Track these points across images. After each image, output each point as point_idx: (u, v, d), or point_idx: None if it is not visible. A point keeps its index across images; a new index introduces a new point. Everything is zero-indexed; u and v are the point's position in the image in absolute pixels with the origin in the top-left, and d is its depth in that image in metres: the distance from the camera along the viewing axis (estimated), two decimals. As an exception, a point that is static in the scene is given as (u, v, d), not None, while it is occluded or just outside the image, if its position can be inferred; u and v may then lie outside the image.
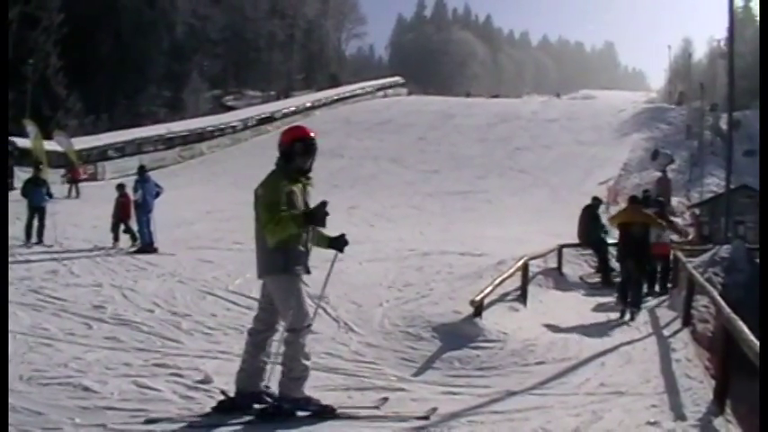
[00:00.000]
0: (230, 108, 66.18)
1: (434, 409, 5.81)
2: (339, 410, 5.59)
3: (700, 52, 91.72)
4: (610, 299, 13.00)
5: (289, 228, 5.39)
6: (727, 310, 6.62)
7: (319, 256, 14.23)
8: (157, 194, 16.40)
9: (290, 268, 5.53)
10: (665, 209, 18.13)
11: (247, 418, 5.39)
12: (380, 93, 72.41)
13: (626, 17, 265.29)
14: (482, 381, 7.08)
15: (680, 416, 5.94)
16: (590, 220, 16.81)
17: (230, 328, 8.66)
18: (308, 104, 61.37)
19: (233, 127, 52.92)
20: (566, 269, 16.33)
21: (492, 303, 9.85)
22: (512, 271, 11.07)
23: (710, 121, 47.71)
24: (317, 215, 5.56)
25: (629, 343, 8.95)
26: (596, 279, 16.13)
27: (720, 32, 69.62)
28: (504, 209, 30.77)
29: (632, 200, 13.65)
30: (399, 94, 74.57)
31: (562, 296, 13.68)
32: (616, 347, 8.68)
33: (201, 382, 6.28)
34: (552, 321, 10.23)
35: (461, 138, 49.11)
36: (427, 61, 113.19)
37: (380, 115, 57.23)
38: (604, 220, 17.42)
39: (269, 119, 55.76)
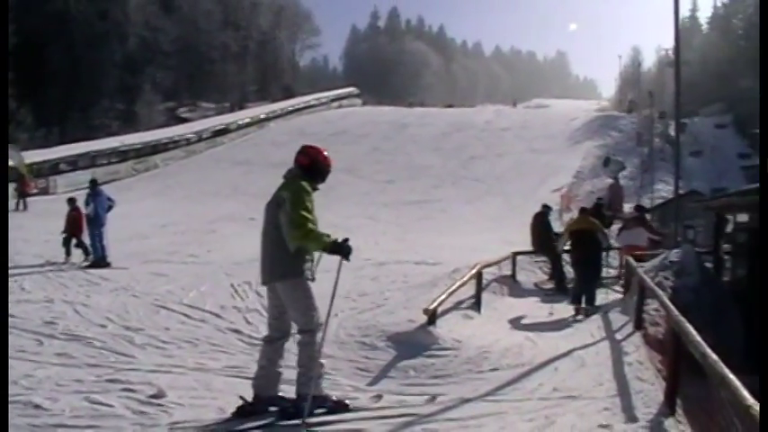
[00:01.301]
0: (184, 120, 65.76)
1: (435, 397, 6.47)
2: (351, 406, 5.98)
3: (649, 61, 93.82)
4: (564, 304, 13.22)
5: (316, 245, 5.74)
6: (676, 312, 6.73)
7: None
8: (110, 208, 16.19)
9: (304, 272, 5.82)
10: (644, 214, 18.73)
11: (264, 420, 5.67)
12: (335, 104, 72.48)
13: (578, 27, 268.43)
14: (437, 389, 7.12)
15: (631, 418, 6.04)
16: (541, 227, 17.05)
17: (184, 342, 8.62)
18: (263, 116, 61.21)
19: (187, 139, 52.50)
20: (520, 276, 16.50)
21: (446, 311, 9.91)
22: (466, 279, 11.15)
23: (660, 129, 48.51)
24: (344, 250, 5.80)
25: (582, 348, 9.01)
26: (550, 285, 16.32)
27: (668, 42, 70.95)
28: (458, 217, 30.94)
29: (582, 210, 15.32)
30: (354, 105, 74.67)
31: (516, 303, 13.79)
32: (569, 352, 8.74)
33: (154, 396, 6.23)
34: (507, 328, 10.33)
35: (416, 147, 49.32)
36: (381, 71, 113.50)
37: (335, 126, 57.18)
38: (557, 226, 17.66)
39: (223, 131, 55.57)
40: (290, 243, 5.66)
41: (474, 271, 11.69)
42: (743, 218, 16.12)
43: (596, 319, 11.64)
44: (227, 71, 79.02)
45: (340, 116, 63.11)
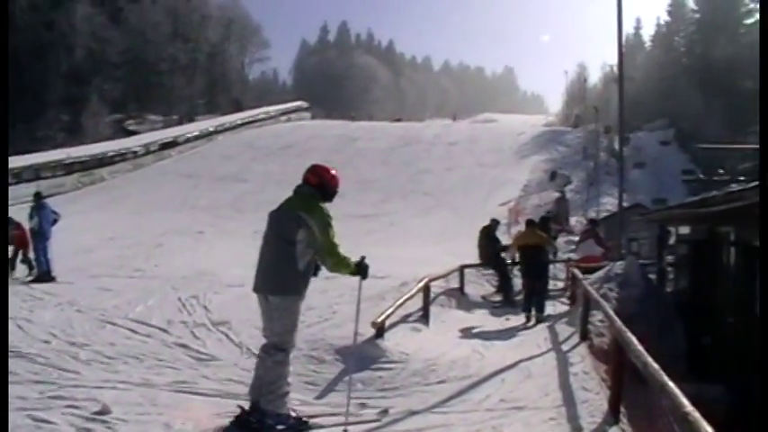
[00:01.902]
0: (132, 133, 65.01)
1: (386, 411, 6.63)
2: (311, 422, 6.11)
3: (594, 77, 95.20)
4: (511, 316, 13.39)
5: (345, 270, 6.29)
6: (619, 323, 6.85)
7: (221, 281, 14.01)
8: (55, 221, 15.91)
9: (302, 292, 6.16)
10: (596, 227, 19.30)
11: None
12: (284, 117, 72.21)
13: (525, 43, 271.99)
14: (384, 402, 7.14)
15: (576, 427, 6.13)
16: (488, 240, 17.20)
17: (130, 357, 8.51)
18: (212, 129, 60.59)
19: (134, 152, 51.64)
20: (468, 289, 16.60)
21: (394, 325, 9.96)
22: (413, 292, 11.22)
23: (605, 143, 49.30)
24: (365, 271, 6.49)
25: (528, 359, 9.12)
26: (498, 298, 16.46)
27: (613, 58, 72.11)
28: (407, 231, 31.01)
29: (529, 223, 15.52)
30: (303, 119, 74.51)
31: (464, 315, 13.89)
32: (516, 363, 8.84)
33: (99, 413, 6.14)
34: (454, 341, 10.39)
35: (364, 161, 49.33)
36: (330, 85, 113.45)
37: (284, 140, 56.97)
38: (504, 240, 17.84)
39: (171, 144, 54.92)
40: (332, 270, 6.26)
41: (422, 284, 11.77)
42: (684, 230, 16.49)
43: (543, 330, 11.81)
44: (176, 83, 78.40)
45: (289, 130, 62.86)
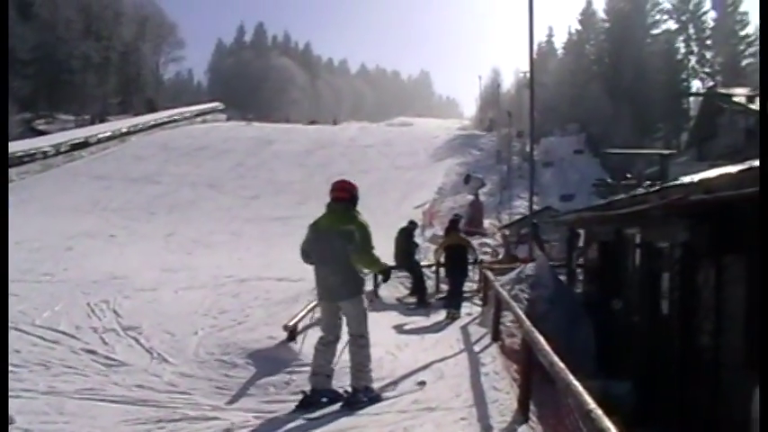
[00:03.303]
0: (41, 132, 62.95)
1: (424, 382, 7.78)
2: (383, 395, 7.35)
3: (508, 82, 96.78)
4: (423, 318, 13.51)
5: (375, 268, 7.86)
6: (527, 323, 6.98)
7: (133, 285, 13.80)
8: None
9: (363, 289, 7.43)
10: (536, 230, 20.07)
11: (327, 410, 6.85)
12: (199, 118, 71.34)
13: (441, 48, 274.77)
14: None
15: (486, 427, 6.21)
16: (405, 242, 17.28)
17: (36, 365, 8.31)
18: (125, 129, 59.25)
19: (44, 152, 49.99)
20: (382, 291, 16.67)
21: (308, 327, 9.93)
22: (327, 295, 11.21)
23: (518, 147, 50.10)
24: (388, 273, 8.23)
25: (441, 360, 9.21)
26: (412, 300, 16.55)
27: (526, 65, 73.42)
28: (323, 234, 30.96)
29: (452, 226, 16.66)
30: (218, 120, 73.69)
31: (378, 317, 13.91)
32: (429, 365, 8.91)
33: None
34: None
35: (280, 163, 49.08)
36: (247, 87, 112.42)
37: (199, 141, 56.24)
38: (419, 242, 17.98)
39: (83, 144, 53.47)
40: (367, 269, 7.60)
41: (335, 287, 11.76)
42: (593, 232, 16.88)
43: (456, 331, 11.93)
44: (88, 82, 76.32)
45: (204, 131, 62.10)
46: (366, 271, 7.59)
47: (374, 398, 7.16)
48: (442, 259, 16.06)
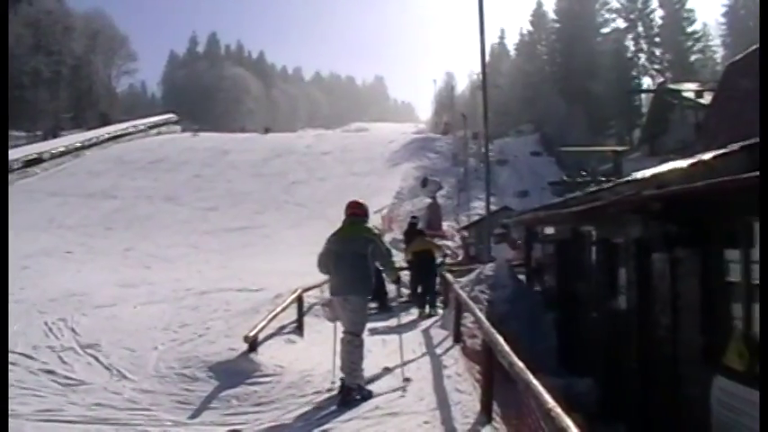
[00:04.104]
0: (-8, 149, 62.02)
1: (409, 379, 8.33)
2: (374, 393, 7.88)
3: (462, 85, 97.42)
4: (384, 322, 13.51)
5: (393, 273, 9.51)
6: (487, 324, 7.02)
7: (91, 302, 13.58)
8: None
9: (370, 293, 8.50)
10: (508, 232, 20.57)
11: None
12: (154, 131, 70.66)
13: (395, 52, 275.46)
14: (260, 416, 7.10)
15: (450, 429, 6.25)
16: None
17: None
18: (78, 144, 58.37)
19: (-4, 170, 49.39)
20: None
21: (269, 338, 9.90)
22: (286, 304, 11.19)
23: (474, 149, 50.37)
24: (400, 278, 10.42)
25: (403, 364, 9.23)
26: (373, 305, 16.53)
27: (479, 66, 74.12)
28: (282, 242, 30.88)
29: (418, 232, 18.05)
30: (173, 132, 73.04)
31: (338, 325, 13.91)
32: (391, 370, 8.93)
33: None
34: (330, 350, 10.39)
35: (237, 174, 48.82)
36: (201, 98, 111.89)
37: (154, 154, 55.75)
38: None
39: (36, 160, 52.54)
40: (387, 270, 9.23)
41: (295, 295, 11.74)
42: (550, 230, 17.02)
43: (418, 335, 11.95)
44: (39, 98, 75.31)
45: (159, 143, 61.56)
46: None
47: (366, 395, 7.74)
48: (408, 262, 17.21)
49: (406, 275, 18.81)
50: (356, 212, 8.62)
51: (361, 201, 8.94)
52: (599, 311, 11.65)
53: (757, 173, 5.12)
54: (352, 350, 7.90)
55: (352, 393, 7.65)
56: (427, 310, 15.36)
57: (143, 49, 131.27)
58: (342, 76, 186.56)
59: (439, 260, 17.75)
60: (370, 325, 13.81)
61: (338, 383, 7.89)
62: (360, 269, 8.03)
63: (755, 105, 13.28)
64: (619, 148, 37.82)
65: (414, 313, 15.57)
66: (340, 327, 9.59)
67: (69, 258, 25.70)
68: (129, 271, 22.10)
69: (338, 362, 8.67)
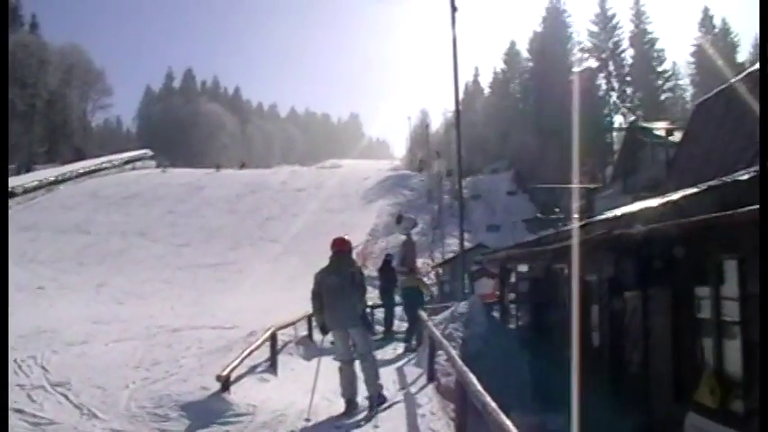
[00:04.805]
0: (-38, 184, 61.41)
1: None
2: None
3: (437, 122, 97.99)
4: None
5: (362, 305, 9.55)
6: (460, 363, 7.03)
7: (62, 339, 13.46)
8: None
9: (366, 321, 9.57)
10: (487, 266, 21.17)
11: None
12: (128, 166, 70.35)
13: (370, 90, 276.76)
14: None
15: (424, 468, 6.24)
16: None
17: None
18: (52, 178, 57.81)
19: (-34, 204, 48.82)
20: (316, 335, 16.53)
21: (242, 376, 9.83)
22: (259, 342, 11.11)
23: (449, 186, 50.51)
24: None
25: (378, 403, 9.21)
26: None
27: (453, 104, 74.55)
28: (256, 279, 30.79)
29: (409, 271, 18.46)
30: (148, 167, 72.74)
31: (314, 362, 13.83)
32: (365, 409, 8.91)
33: None
34: (303, 389, 10.33)
35: (211, 209, 48.65)
36: (176, 133, 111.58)
37: (129, 189, 55.45)
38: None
39: (8, 194, 52.18)
40: (361, 300, 9.30)
41: (268, 333, 11.67)
42: (523, 268, 17.12)
43: (392, 372, 11.90)
44: (13, 131, 74.70)
45: (133, 179, 61.31)
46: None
47: (383, 399, 9.21)
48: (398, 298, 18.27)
49: (380, 312, 18.97)
50: (341, 249, 9.46)
51: (345, 237, 9.75)
52: (572, 348, 11.69)
53: (730, 211, 5.22)
54: (368, 366, 9.12)
55: (372, 398, 8.99)
56: (413, 344, 15.28)
57: (119, 84, 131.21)
58: (317, 113, 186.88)
59: (427, 297, 18.73)
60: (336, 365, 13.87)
61: (318, 419, 8.45)
62: (354, 301, 9.05)
63: (723, 144, 13.48)
64: (591, 186, 38.21)
65: (389, 350, 15.52)
66: (327, 362, 9.70)
67: (41, 294, 25.47)
68: (102, 307, 21.93)
69: (316, 399, 8.75)
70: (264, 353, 11.52)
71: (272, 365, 11.57)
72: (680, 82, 77.53)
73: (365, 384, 9.11)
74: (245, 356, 10.13)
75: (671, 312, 7.81)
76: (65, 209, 48.49)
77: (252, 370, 10.76)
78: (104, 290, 26.91)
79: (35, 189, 54.36)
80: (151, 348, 13.10)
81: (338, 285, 9.04)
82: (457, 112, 22.30)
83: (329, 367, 13.43)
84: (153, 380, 10.22)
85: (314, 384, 8.92)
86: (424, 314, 14.01)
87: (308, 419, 8.26)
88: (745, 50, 72.74)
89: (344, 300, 9.01)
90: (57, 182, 57.83)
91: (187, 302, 23.50)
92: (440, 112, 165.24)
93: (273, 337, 11.97)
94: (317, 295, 9.27)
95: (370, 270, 28.86)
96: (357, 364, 9.25)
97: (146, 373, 10.80)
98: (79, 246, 38.19)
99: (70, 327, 15.70)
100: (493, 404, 5.16)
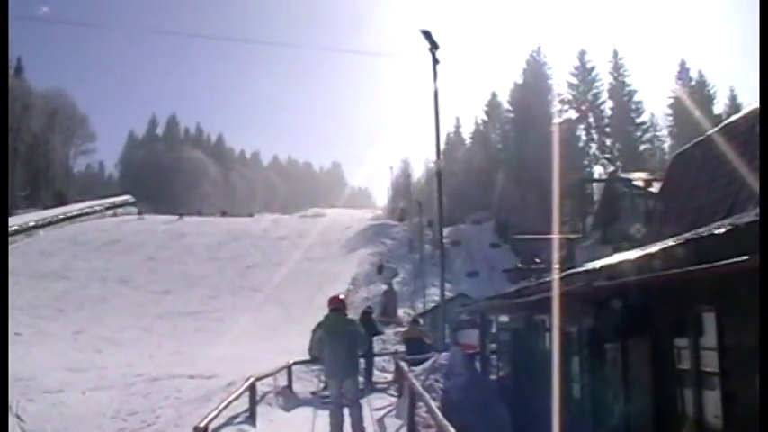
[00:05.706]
0: (-60, 229, 60.93)
1: None
2: None
3: (419, 172, 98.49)
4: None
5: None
6: (440, 417, 7.01)
7: (38, 387, 13.32)
8: None
9: (359, 371, 11.32)
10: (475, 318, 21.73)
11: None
12: (110, 212, 70.06)
13: (352, 139, 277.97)
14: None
15: None
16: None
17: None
18: (32, 223, 57.38)
19: (-57, 248, 48.29)
20: (296, 386, 16.46)
21: (220, 427, 9.74)
22: (238, 393, 11.03)
23: (430, 236, 50.54)
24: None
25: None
26: (327, 393, 16.38)
27: (435, 154, 74.98)
28: (236, 328, 30.53)
29: (412, 321, 21.56)
30: (129, 213, 72.44)
31: (293, 414, 13.74)
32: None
33: None
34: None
35: (192, 257, 48.45)
36: (158, 179, 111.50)
37: (109, 235, 55.19)
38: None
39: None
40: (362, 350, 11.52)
41: (247, 384, 11.59)
42: (504, 318, 17.13)
43: (372, 424, 11.85)
44: (-5, 170, 74.54)
45: (115, 225, 61.06)
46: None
47: None
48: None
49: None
50: (338, 307, 10.96)
51: (341, 296, 11.76)
52: (553, 399, 11.68)
53: (710, 263, 5.28)
54: (355, 411, 10.46)
55: None
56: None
57: (102, 129, 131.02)
58: (299, 162, 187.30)
59: (429, 342, 19.53)
60: (324, 413, 13.78)
61: None
62: (350, 358, 10.58)
63: (701, 195, 13.64)
64: (572, 236, 38.38)
65: (371, 400, 15.40)
66: (292, 417, 9.71)
67: (17, 340, 25.12)
68: (79, 354, 21.71)
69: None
70: (244, 403, 11.44)
71: (250, 416, 11.48)
72: (658, 133, 78.67)
73: (351, 424, 10.40)
74: (224, 407, 10.03)
75: (651, 363, 7.83)
76: (44, 254, 48.14)
77: (231, 420, 10.69)
78: (82, 337, 26.62)
79: (14, 234, 53.84)
80: (128, 398, 12.99)
81: (339, 342, 10.39)
82: (438, 163, 22.50)
83: (308, 416, 13.43)
84: (130, 430, 10.11)
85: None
86: (404, 365, 13.97)
87: None
88: (722, 102, 74.13)
89: (344, 357, 10.43)
90: (36, 227, 57.39)
91: (166, 351, 23.29)
92: (422, 162, 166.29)
93: (252, 388, 11.90)
94: (316, 347, 10.99)
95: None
96: (345, 410, 10.41)
97: (122, 423, 10.72)
98: (58, 292, 37.86)
99: (47, 374, 15.52)
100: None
